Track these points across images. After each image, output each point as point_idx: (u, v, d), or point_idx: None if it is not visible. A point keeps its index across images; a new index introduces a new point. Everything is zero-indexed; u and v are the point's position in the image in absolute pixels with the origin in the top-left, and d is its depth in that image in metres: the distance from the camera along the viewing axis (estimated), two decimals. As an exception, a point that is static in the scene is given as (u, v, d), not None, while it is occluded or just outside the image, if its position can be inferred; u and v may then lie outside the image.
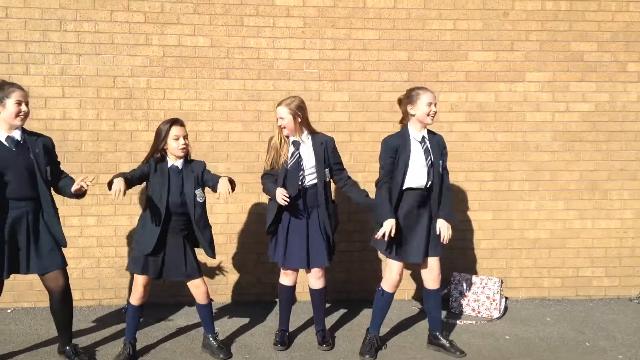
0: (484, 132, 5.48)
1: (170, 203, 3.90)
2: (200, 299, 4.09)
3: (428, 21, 5.39)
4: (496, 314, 5.02)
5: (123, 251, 5.18)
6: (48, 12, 4.98)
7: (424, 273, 4.19)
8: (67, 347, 3.98)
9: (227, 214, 5.27)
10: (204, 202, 4.03)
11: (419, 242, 4.05)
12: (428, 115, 4.01)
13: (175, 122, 3.96)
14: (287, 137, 4.18)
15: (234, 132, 5.26)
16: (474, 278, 5.17)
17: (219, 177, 3.95)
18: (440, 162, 4.08)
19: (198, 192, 3.98)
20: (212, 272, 5.30)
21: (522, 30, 5.47)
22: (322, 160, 4.18)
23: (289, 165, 4.14)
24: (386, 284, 4.14)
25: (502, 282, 5.14)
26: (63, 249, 3.89)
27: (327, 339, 4.33)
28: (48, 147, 3.86)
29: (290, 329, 4.49)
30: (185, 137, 3.94)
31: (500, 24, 5.45)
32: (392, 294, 4.17)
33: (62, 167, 4.03)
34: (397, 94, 5.31)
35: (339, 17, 5.30)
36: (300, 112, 4.14)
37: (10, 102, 3.67)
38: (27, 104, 3.76)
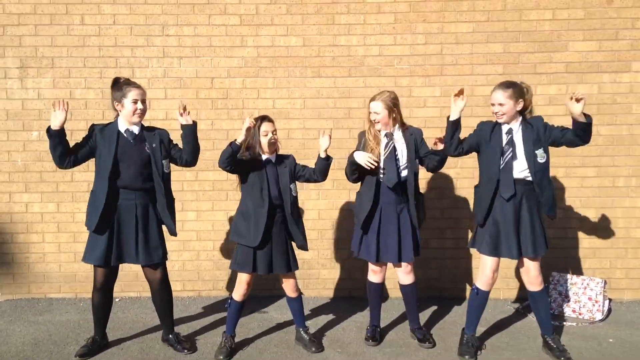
0: (585, 126, 5.21)
1: (271, 196, 4.00)
2: (290, 291, 4.20)
3: (525, 11, 5.21)
4: (599, 316, 4.78)
5: (220, 245, 5.39)
6: (152, 18, 5.27)
7: (522, 273, 4.06)
8: (170, 335, 4.21)
9: (318, 210, 5.35)
10: (297, 196, 4.15)
11: (512, 238, 3.90)
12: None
13: (264, 118, 4.07)
14: (379, 131, 4.17)
15: (325, 130, 5.31)
16: (575, 278, 4.94)
17: (313, 167, 4.16)
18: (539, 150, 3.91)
19: (292, 185, 4.09)
20: (303, 267, 5.40)
21: (628, 18, 5.16)
22: (413, 150, 4.14)
23: (384, 156, 4.12)
24: (480, 282, 4.05)
25: (605, 282, 4.88)
26: (167, 242, 4.15)
27: (427, 336, 4.29)
28: (164, 140, 4.09)
29: (382, 325, 4.50)
30: (274, 132, 4.05)
31: (603, 12, 5.17)
32: (487, 292, 4.05)
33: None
34: (492, 88, 5.20)
35: (430, 11, 5.23)
36: (395, 106, 4.13)
37: (128, 101, 3.95)
38: (143, 102, 4.00)
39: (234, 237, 4.11)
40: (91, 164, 5.26)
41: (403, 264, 4.19)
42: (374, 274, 4.30)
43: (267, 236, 4.00)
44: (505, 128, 3.97)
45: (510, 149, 3.90)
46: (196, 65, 5.30)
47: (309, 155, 5.30)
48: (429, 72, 5.27)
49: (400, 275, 4.25)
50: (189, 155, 4.10)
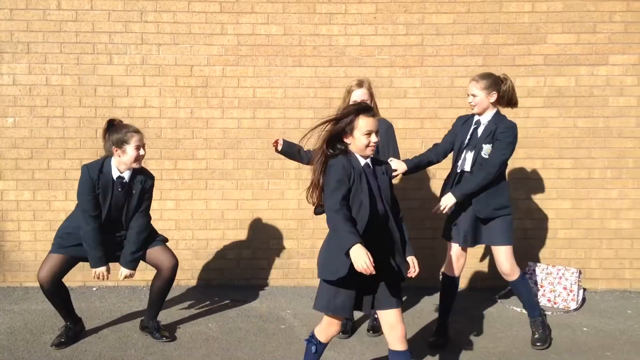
0: (563, 118, 5.29)
1: (372, 212, 2.97)
2: (399, 343, 3.03)
3: (505, 3, 5.24)
4: (573, 305, 4.86)
5: (199, 234, 5.36)
6: (130, 3, 5.19)
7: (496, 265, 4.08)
8: (151, 322, 4.19)
9: (297, 200, 5.35)
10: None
11: (464, 226, 3.97)
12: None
13: (364, 110, 3.00)
14: None
15: (306, 119, 5.31)
16: (551, 268, 5.02)
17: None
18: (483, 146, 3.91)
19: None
20: (283, 257, 5.41)
21: (606, 11, 5.21)
22: (386, 144, 4.12)
23: None
24: (444, 266, 4.13)
25: (580, 272, 4.97)
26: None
27: (377, 326, 4.28)
28: (145, 190, 4.07)
29: (361, 315, 4.52)
30: (378, 133, 3.01)
31: (582, 5, 5.22)
32: (451, 277, 4.09)
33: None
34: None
35: (412, 1, 5.23)
36: (372, 94, 4.15)
37: (130, 148, 3.88)
38: (144, 147, 3.97)
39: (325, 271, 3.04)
40: (67, 151, 5.23)
41: None
42: None
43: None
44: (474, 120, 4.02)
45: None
46: (175, 53, 5.24)
47: (289, 145, 5.30)
48: (409, 63, 5.28)
49: None
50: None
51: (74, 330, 4.12)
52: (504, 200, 3.94)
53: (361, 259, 2.75)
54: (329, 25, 5.25)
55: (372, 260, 2.77)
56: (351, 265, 2.81)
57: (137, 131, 3.92)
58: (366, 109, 3.00)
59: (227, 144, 5.31)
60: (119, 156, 3.90)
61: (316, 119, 5.21)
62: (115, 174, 3.93)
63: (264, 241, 5.38)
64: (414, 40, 5.27)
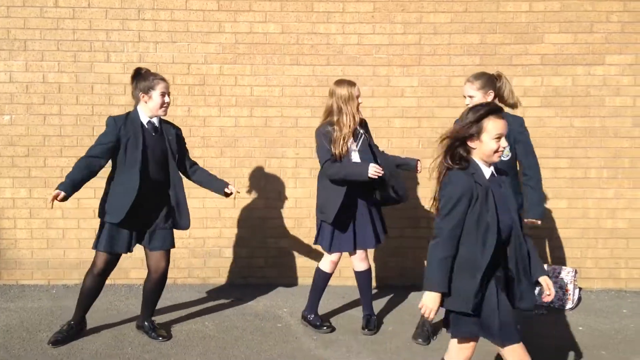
0: (559, 118, 5.30)
1: (502, 223, 2.67)
2: None
3: (502, 3, 5.24)
4: (569, 305, 4.88)
5: (196, 232, 5.34)
6: (127, 1, 5.18)
7: None
8: (146, 322, 4.18)
9: (295, 198, 5.35)
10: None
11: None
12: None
13: (495, 111, 2.68)
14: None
15: (303, 118, 5.32)
16: (546, 267, 5.03)
17: None
18: None
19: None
20: (279, 255, 5.41)
21: (603, 11, 5.23)
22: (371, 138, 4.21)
23: (358, 148, 4.13)
24: None
25: (576, 272, 4.98)
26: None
27: (371, 324, 4.30)
28: (179, 136, 4.13)
29: (355, 313, 4.53)
30: (506, 137, 2.74)
31: (579, 5, 5.23)
32: None
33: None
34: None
35: (409, 0, 5.24)
36: None
37: (156, 94, 3.90)
38: (169, 95, 3.99)
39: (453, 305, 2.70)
40: (64, 149, 5.22)
41: (359, 251, 4.21)
42: (332, 264, 4.27)
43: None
44: None
45: None
46: (173, 51, 5.24)
47: (286, 144, 5.30)
48: (407, 62, 5.29)
49: (356, 262, 4.25)
50: (204, 183, 4.24)
51: (75, 330, 4.11)
52: (520, 199, 4.01)
53: (429, 307, 2.63)
54: (327, 24, 5.25)
55: (434, 315, 2.66)
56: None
57: (163, 79, 3.97)
58: (497, 109, 2.68)
59: (224, 143, 5.31)
60: (146, 102, 3.92)
61: (313, 118, 5.29)
62: (144, 119, 3.95)
63: (260, 240, 5.39)
64: (411, 39, 5.27)
